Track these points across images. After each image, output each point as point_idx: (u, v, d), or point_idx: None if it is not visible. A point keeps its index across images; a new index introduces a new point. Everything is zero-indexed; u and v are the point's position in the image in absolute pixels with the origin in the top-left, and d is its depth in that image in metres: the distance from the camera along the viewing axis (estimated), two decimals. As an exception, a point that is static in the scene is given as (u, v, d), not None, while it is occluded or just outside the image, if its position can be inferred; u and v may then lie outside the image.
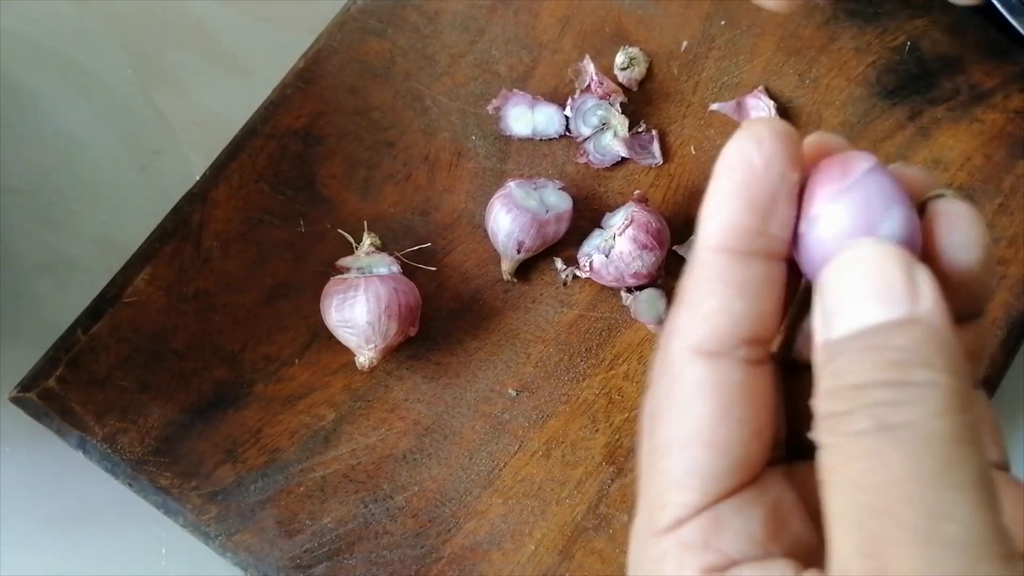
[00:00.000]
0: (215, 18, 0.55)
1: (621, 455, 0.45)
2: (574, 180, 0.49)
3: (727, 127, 0.50)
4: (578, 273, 0.47)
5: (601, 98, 0.49)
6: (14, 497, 0.47)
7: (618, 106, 0.49)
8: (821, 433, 0.22)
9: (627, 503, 0.45)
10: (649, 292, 0.47)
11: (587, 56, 0.50)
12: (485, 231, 0.47)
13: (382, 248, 0.46)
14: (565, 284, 0.47)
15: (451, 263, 0.48)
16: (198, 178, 0.48)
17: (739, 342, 0.24)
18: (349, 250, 0.46)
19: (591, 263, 0.46)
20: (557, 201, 0.47)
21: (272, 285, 0.47)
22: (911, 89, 0.51)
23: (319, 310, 0.44)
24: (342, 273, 0.45)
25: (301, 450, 0.45)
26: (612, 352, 0.46)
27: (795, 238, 0.24)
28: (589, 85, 0.49)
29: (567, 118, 0.49)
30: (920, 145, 0.50)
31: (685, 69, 0.51)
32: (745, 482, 0.24)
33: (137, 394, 0.45)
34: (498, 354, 0.46)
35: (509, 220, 0.45)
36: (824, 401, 0.22)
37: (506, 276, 0.47)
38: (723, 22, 0.51)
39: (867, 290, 0.22)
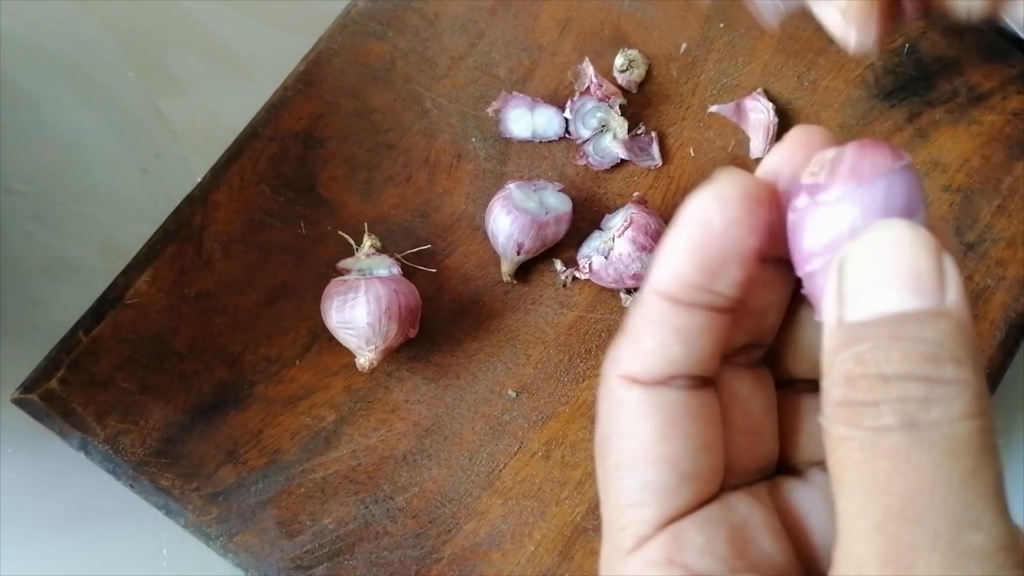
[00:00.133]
0: (216, 21, 0.55)
1: (621, 456, 0.45)
2: (573, 182, 0.49)
3: (726, 129, 0.50)
4: (578, 275, 0.47)
5: (600, 100, 0.49)
6: (16, 498, 0.47)
7: (617, 108, 0.49)
8: (836, 423, 0.21)
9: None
10: (648, 293, 0.47)
11: (586, 58, 0.50)
12: (485, 233, 0.47)
13: (382, 250, 0.47)
14: (565, 285, 0.48)
15: (451, 265, 0.48)
16: (199, 180, 0.48)
17: (674, 378, 0.24)
18: (350, 252, 0.47)
19: (590, 265, 0.46)
20: (557, 203, 0.47)
21: (273, 287, 0.47)
22: (909, 91, 0.51)
23: (320, 312, 0.45)
24: (342, 275, 0.46)
25: (302, 451, 0.45)
26: (612, 353, 0.47)
27: (791, 227, 0.24)
28: (588, 87, 0.49)
29: (567, 120, 0.49)
30: (918, 147, 0.50)
31: (684, 71, 0.51)
32: (703, 497, 0.24)
33: (138, 395, 0.45)
34: (498, 355, 0.46)
35: (509, 222, 0.46)
36: (842, 387, 0.21)
37: (506, 278, 0.47)
38: (722, 24, 0.51)
39: (897, 274, 0.21)
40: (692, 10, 0.52)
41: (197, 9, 0.55)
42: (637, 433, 0.24)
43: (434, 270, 0.47)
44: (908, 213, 0.22)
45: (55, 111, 0.53)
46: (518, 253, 0.46)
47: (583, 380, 0.46)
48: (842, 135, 0.47)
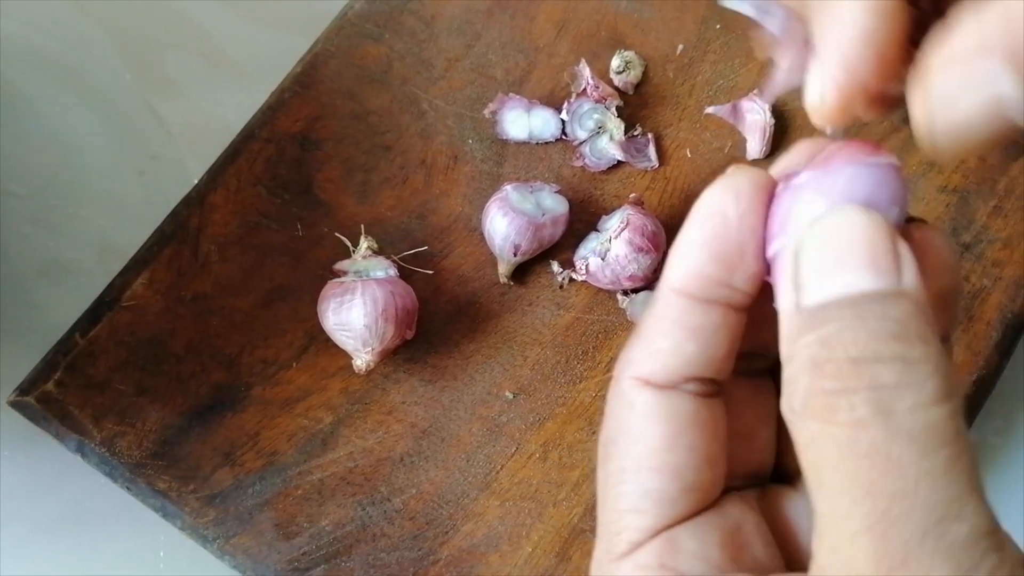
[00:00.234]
0: (213, 22, 0.55)
1: (618, 457, 0.45)
2: (570, 183, 0.49)
3: (723, 130, 0.50)
4: (574, 276, 0.47)
5: (597, 102, 0.49)
6: (12, 500, 0.47)
7: (614, 110, 0.49)
8: (807, 418, 0.21)
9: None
10: (645, 295, 0.47)
11: (583, 60, 0.50)
12: (482, 234, 0.47)
13: (379, 252, 0.47)
14: (561, 287, 0.48)
15: (448, 266, 0.48)
16: (196, 182, 0.48)
17: (688, 380, 0.24)
18: (346, 254, 0.47)
19: (587, 266, 0.46)
20: (553, 204, 0.47)
21: (270, 289, 0.47)
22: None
23: (316, 313, 0.45)
24: (339, 277, 0.46)
25: (299, 453, 0.45)
26: (609, 355, 0.47)
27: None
28: (585, 89, 0.49)
29: (563, 122, 0.49)
30: (915, 148, 0.50)
31: (681, 73, 0.51)
32: (700, 507, 0.24)
33: (135, 397, 0.45)
34: (495, 357, 0.46)
35: (505, 223, 0.46)
36: (809, 374, 0.21)
37: (503, 279, 0.47)
38: (718, 26, 0.51)
39: (854, 256, 0.21)
40: (688, 11, 0.52)
41: (194, 11, 0.55)
42: (644, 439, 0.24)
43: (431, 272, 0.47)
44: (872, 205, 0.22)
45: (52, 113, 0.53)
46: (515, 255, 0.46)
47: (580, 381, 0.46)
48: (838, 136, 0.47)
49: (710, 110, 0.50)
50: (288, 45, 0.51)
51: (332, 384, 0.46)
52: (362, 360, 0.43)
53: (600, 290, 0.47)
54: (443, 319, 0.47)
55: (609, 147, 0.49)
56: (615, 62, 0.50)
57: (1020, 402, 0.51)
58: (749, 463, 0.26)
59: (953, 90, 0.21)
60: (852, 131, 0.50)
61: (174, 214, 0.47)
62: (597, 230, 0.48)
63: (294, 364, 0.46)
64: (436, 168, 0.49)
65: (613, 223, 0.47)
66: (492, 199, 0.47)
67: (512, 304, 0.47)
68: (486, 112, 0.49)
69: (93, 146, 0.53)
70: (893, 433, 0.20)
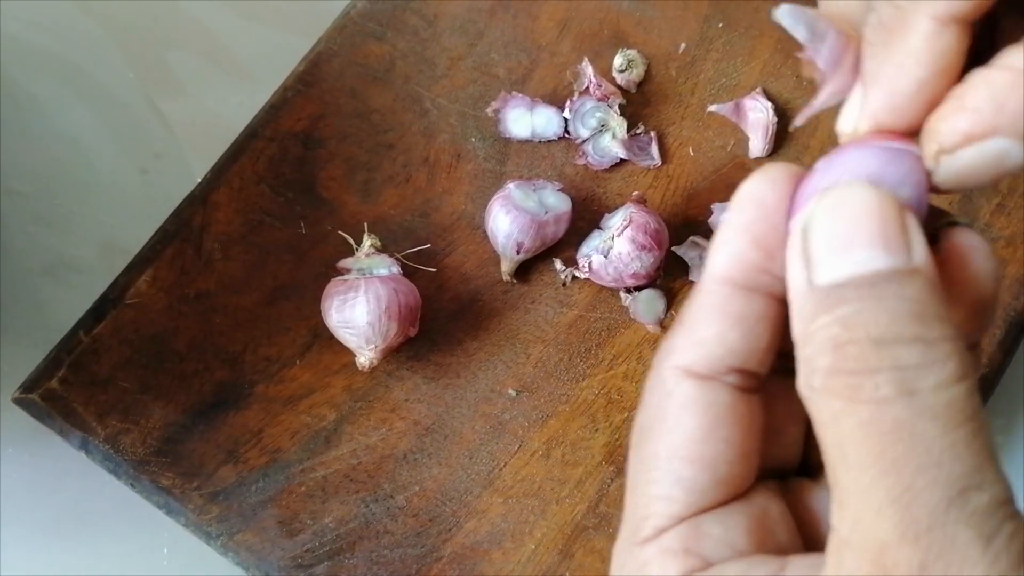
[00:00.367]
0: (216, 21, 0.55)
1: (621, 455, 0.45)
2: (573, 181, 0.49)
3: (725, 128, 0.50)
4: (577, 274, 0.47)
5: (600, 100, 0.49)
6: (16, 498, 0.48)
7: (616, 108, 0.49)
8: (829, 396, 0.21)
9: (626, 502, 0.45)
10: (648, 292, 0.47)
11: (585, 58, 0.50)
12: (484, 232, 0.47)
13: (382, 249, 0.47)
14: (564, 285, 0.48)
15: (451, 264, 0.48)
16: (199, 180, 0.48)
17: (730, 370, 0.24)
18: (349, 252, 0.47)
19: (590, 264, 0.46)
20: (556, 202, 0.47)
21: (273, 287, 0.47)
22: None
23: (320, 311, 0.45)
24: (342, 274, 0.46)
25: (302, 450, 0.45)
26: (611, 352, 0.47)
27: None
28: (588, 87, 0.49)
29: (566, 120, 0.49)
30: (917, 146, 0.50)
31: (683, 71, 0.51)
32: (729, 498, 0.24)
33: (139, 395, 0.45)
34: (498, 354, 0.46)
35: (508, 221, 0.46)
36: (830, 355, 0.21)
37: (505, 277, 0.47)
38: (721, 24, 0.52)
39: (865, 233, 0.21)
40: (691, 10, 0.52)
41: (197, 10, 0.55)
42: (681, 428, 0.24)
43: (434, 269, 0.47)
44: (879, 183, 0.22)
45: (55, 112, 0.54)
46: (518, 252, 0.46)
47: (583, 379, 0.46)
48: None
49: (713, 108, 0.50)
50: (291, 44, 0.51)
51: (335, 381, 0.46)
52: (365, 357, 0.43)
53: (603, 288, 0.47)
54: (446, 317, 0.47)
55: (612, 145, 0.49)
56: (618, 60, 0.50)
57: (1021, 401, 0.51)
58: (776, 457, 0.26)
59: (959, 145, 0.23)
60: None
61: (177, 212, 0.47)
62: (600, 228, 0.48)
63: (297, 361, 0.46)
64: (439, 166, 0.49)
65: (616, 221, 0.47)
66: (495, 197, 0.47)
67: (515, 302, 0.47)
68: (489, 110, 0.49)
69: (96, 145, 0.53)
70: (917, 411, 0.20)
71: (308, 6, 0.55)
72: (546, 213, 0.46)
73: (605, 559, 0.44)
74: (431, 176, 0.49)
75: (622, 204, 0.48)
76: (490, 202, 0.47)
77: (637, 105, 0.50)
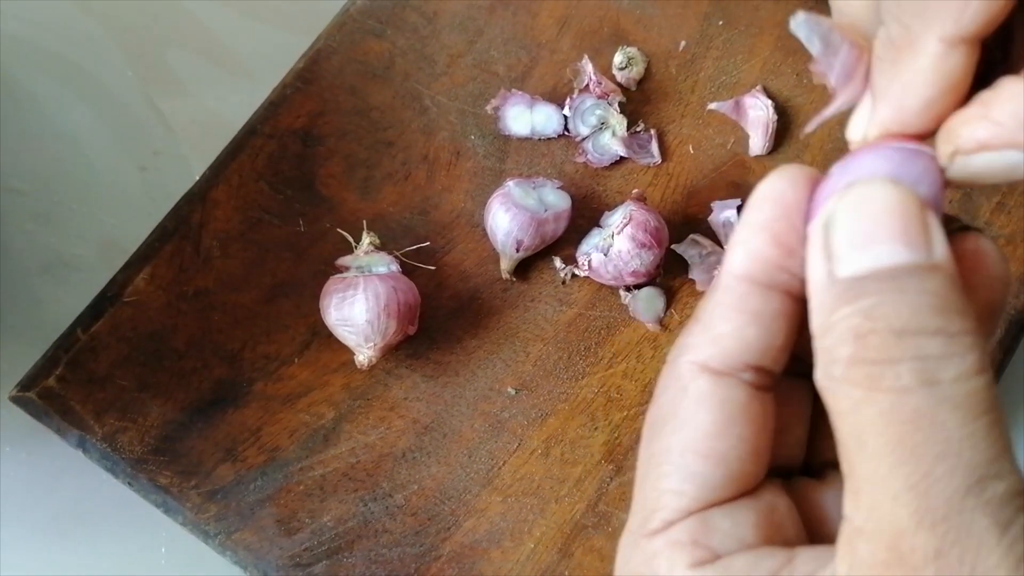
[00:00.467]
0: (215, 19, 0.55)
1: (620, 453, 0.45)
2: (573, 179, 0.49)
3: (725, 126, 0.50)
4: (577, 272, 0.47)
5: (599, 98, 0.49)
6: (14, 496, 0.47)
7: (616, 106, 0.49)
8: (849, 385, 0.21)
9: (626, 501, 0.45)
10: (647, 291, 0.47)
11: (585, 56, 0.50)
12: (484, 230, 0.47)
13: (381, 247, 0.47)
14: (564, 283, 0.48)
15: (450, 262, 0.48)
16: (198, 178, 0.48)
17: (746, 367, 0.24)
18: (348, 249, 0.46)
19: (590, 262, 0.46)
20: (556, 200, 0.47)
21: (272, 284, 0.47)
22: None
23: (318, 309, 0.45)
24: (341, 272, 0.45)
25: (300, 449, 0.45)
26: (611, 350, 0.46)
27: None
28: (587, 85, 0.49)
29: (565, 118, 0.49)
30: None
31: (683, 69, 0.51)
32: (738, 495, 0.24)
33: (137, 393, 0.45)
34: (497, 353, 0.46)
35: (508, 219, 0.46)
36: (851, 345, 0.21)
37: (505, 275, 0.47)
38: (721, 22, 0.51)
39: (887, 228, 0.22)
40: (691, 8, 0.52)
41: (196, 8, 0.55)
42: (695, 423, 0.24)
43: (433, 267, 0.47)
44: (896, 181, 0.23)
45: (54, 110, 0.54)
46: (517, 250, 0.46)
47: (582, 377, 0.46)
48: (841, 132, 0.47)
49: (713, 106, 0.50)
50: (290, 41, 0.51)
51: (334, 380, 0.46)
52: (364, 356, 0.43)
53: (602, 286, 0.47)
54: (445, 315, 0.47)
55: (611, 143, 0.49)
56: (617, 58, 0.50)
57: (1021, 400, 0.51)
58: (780, 456, 0.26)
59: (975, 151, 0.23)
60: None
61: (176, 210, 0.47)
62: (599, 226, 0.48)
63: (296, 360, 0.46)
64: (438, 164, 0.49)
65: (616, 219, 0.46)
66: (494, 195, 0.47)
67: (514, 300, 0.47)
68: (488, 108, 0.49)
69: (95, 143, 0.53)
70: (938, 401, 0.20)
71: (307, 4, 0.55)
72: (546, 211, 0.46)
73: (604, 558, 0.44)
74: (430, 174, 0.49)
75: (622, 202, 0.48)
76: (489, 200, 0.47)
77: (637, 103, 0.50)
